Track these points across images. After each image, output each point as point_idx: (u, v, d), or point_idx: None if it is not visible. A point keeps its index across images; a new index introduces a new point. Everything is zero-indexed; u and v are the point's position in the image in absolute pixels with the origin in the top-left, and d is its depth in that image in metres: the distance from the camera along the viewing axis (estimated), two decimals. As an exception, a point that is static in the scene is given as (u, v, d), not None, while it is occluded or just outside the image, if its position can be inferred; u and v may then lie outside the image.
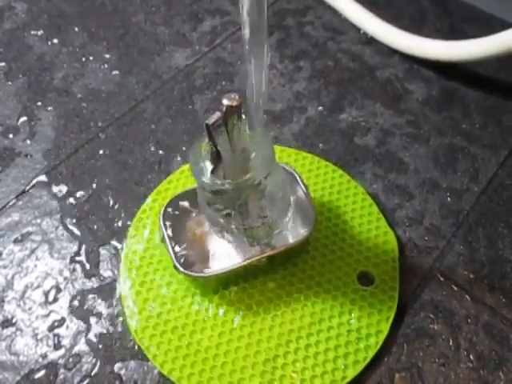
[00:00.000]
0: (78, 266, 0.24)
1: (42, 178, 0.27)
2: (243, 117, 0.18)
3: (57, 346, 0.22)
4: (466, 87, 0.31)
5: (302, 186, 0.24)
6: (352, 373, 0.21)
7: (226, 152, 0.18)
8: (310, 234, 0.22)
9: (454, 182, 0.27)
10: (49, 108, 0.30)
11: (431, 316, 0.23)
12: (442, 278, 0.24)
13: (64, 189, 0.27)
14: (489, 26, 0.34)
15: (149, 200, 0.26)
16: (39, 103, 0.31)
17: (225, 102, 0.17)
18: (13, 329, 0.23)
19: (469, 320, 0.23)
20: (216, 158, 0.18)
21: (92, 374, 0.21)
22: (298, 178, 0.24)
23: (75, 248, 0.25)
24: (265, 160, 0.19)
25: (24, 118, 0.30)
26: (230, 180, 0.19)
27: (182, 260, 0.22)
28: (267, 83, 0.17)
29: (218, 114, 0.17)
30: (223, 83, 0.31)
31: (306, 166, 0.27)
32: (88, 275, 0.24)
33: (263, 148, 0.19)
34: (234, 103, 0.17)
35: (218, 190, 0.19)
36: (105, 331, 0.22)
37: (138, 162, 0.28)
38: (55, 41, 0.34)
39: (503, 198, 0.27)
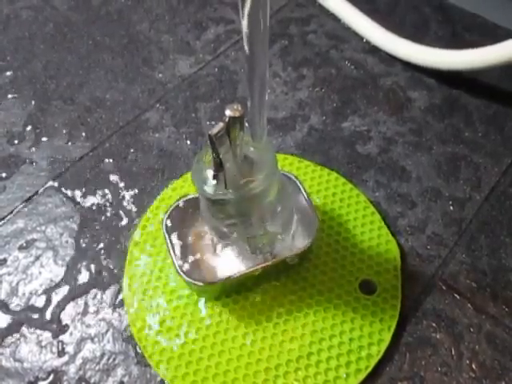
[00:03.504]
0: (81, 273, 0.24)
1: (47, 185, 0.28)
2: (246, 125, 0.18)
3: (61, 353, 0.22)
4: (468, 95, 0.31)
5: (305, 194, 0.24)
6: (354, 382, 0.21)
7: (229, 162, 0.18)
8: (313, 242, 0.22)
9: (457, 190, 0.27)
10: (54, 116, 0.31)
11: (433, 325, 0.23)
12: (444, 287, 0.24)
13: (68, 196, 0.27)
14: (491, 34, 0.34)
15: (152, 207, 0.26)
16: (44, 111, 0.31)
17: (227, 112, 0.17)
18: (17, 335, 0.23)
19: (471, 329, 0.23)
20: (219, 167, 0.18)
21: (95, 381, 0.22)
22: (300, 186, 0.24)
23: (79, 255, 0.25)
24: (267, 169, 0.19)
25: (29, 126, 0.30)
26: (233, 190, 0.19)
27: (184, 268, 0.22)
28: (266, 90, 0.17)
29: (220, 125, 0.17)
30: (227, 91, 0.32)
31: (309, 174, 0.27)
32: (92, 282, 0.24)
33: (265, 157, 0.20)
34: (237, 114, 0.17)
35: (221, 199, 0.19)
36: (108, 338, 0.23)
37: (141, 169, 0.28)
38: (61, 49, 0.34)
39: (506, 207, 0.27)
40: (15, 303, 0.24)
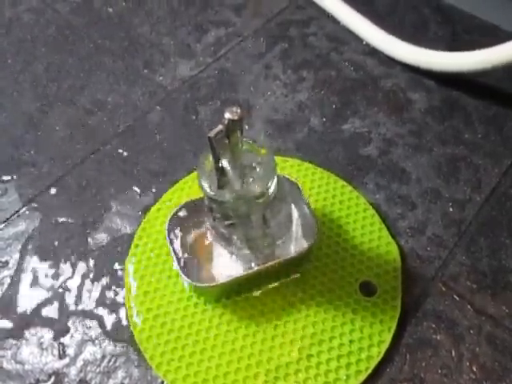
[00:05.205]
0: (82, 275, 0.25)
1: (48, 188, 0.28)
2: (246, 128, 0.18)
3: (62, 356, 0.22)
4: (468, 96, 0.31)
5: (305, 196, 0.24)
6: (354, 383, 0.21)
7: (228, 164, 0.19)
8: (313, 244, 0.23)
9: (457, 191, 0.27)
10: (55, 118, 0.31)
11: (433, 326, 0.23)
12: (444, 288, 0.24)
13: (70, 198, 0.27)
14: (490, 34, 0.34)
15: (153, 209, 0.26)
16: (46, 113, 0.31)
17: (226, 115, 0.17)
18: (18, 337, 0.23)
19: (471, 330, 0.23)
20: (219, 170, 0.19)
21: (95, 383, 0.22)
22: (300, 189, 0.24)
23: (80, 256, 0.25)
24: (266, 171, 0.19)
25: (30, 128, 0.30)
26: (233, 192, 0.19)
27: (185, 269, 0.22)
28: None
29: (220, 127, 0.18)
30: (227, 94, 0.32)
31: (309, 177, 0.27)
32: (93, 283, 0.24)
33: (265, 159, 0.20)
34: (236, 117, 0.17)
35: (221, 201, 0.19)
36: (109, 340, 0.23)
37: (142, 172, 0.28)
38: (62, 51, 0.34)
39: (506, 208, 0.27)
40: (17, 305, 0.24)
